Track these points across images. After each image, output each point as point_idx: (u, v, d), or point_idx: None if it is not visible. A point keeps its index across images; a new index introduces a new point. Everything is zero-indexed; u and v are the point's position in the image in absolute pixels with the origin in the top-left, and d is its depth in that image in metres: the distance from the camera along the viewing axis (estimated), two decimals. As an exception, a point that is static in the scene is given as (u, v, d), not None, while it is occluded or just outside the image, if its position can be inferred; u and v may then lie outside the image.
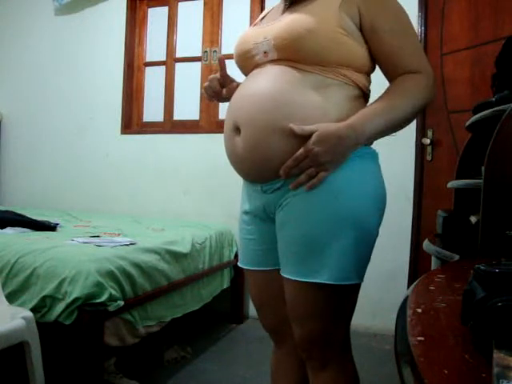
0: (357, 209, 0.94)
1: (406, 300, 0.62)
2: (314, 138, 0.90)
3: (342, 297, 0.98)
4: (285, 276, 0.99)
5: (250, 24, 2.93)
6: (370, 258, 1.00)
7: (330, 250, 0.92)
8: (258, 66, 1.02)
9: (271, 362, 1.21)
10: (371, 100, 1.02)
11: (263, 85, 0.97)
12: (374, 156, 1.02)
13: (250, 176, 1.02)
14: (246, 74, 1.09)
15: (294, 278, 0.96)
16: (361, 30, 0.97)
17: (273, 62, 0.99)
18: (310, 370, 1.04)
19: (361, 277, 0.97)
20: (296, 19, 0.95)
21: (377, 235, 1.00)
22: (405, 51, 0.97)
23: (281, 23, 0.98)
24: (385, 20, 0.96)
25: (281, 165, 0.94)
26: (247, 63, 1.05)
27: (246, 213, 1.10)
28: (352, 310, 1.03)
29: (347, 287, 0.95)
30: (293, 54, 0.95)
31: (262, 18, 1.14)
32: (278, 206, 0.99)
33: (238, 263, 1.18)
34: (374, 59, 1.01)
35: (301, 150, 0.91)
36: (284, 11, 1.03)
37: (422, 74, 0.96)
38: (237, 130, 0.99)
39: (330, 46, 0.93)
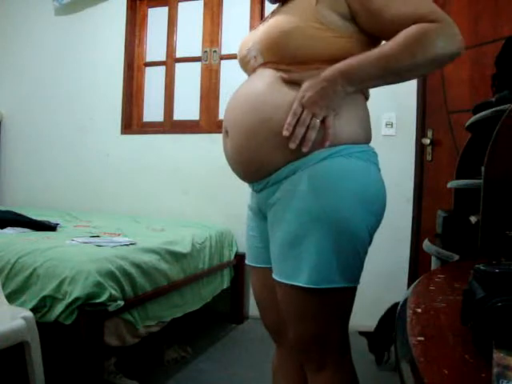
0: (335, 209, 0.90)
1: (405, 300, 0.62)
2: (303, 86, 0.90)
3: (329, 299, 0.94)
4: (273, 277, 0.99)
5: (250, 24, 2.93)
6: (360, 260, 0.95)
7: (308, 251, 0.90)
8: (253, 69, 1.05)
9: (273, 362, 1.21)
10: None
11: (248, 88, 1.00)
12: (365, 155, 0.96)
13: (240, 176, 1.04)
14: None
15: (278, 280, 0.96)
16: (354, 18, 0.93)
17: (261, 65, 1.01)
18: (307, 372, 1.04)
19: (349, 280, 0.93)
20: (274, 22, 0.97)
21: (369, 237, 0.96)
22: (409, 15, 0.88)
23: (263, 27, 1.01)
24: None
25: (263, 166, 0.95)
26: (246, 68, 1.09)
27: (250, 208, 1.12)
28: (346, 312, 1.00)
29: (332, 290, 0.92)
30: (274, 56, 0.97)
31: (264, 20, 1.15)
32: (267, 206, 1.00)
33: (246, 261, 1.18)
34: (373, 44, 0.96)
35: (295, 104, 0.90)
36: (272, 15, 1.06)
37: (437, 23, 0.86)
38: (227, 131, 1.03)
39: (307, 43, 0.93)
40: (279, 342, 1.17)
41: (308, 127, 0.89)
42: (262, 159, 0.95)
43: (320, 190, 0.91)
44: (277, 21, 0.97)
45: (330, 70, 0.90)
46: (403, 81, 0.95)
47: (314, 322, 0.97)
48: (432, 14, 0.87)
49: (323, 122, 0.90)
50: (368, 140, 0.99)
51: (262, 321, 1.19)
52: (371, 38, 0.96)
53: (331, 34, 0.93)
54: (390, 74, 0.90)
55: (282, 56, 0.96)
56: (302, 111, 0.89)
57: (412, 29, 0.86)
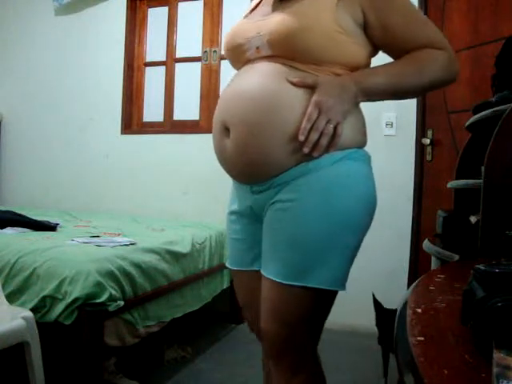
0: (349, 212, 0.92)
1: (405, 300, 0.62)
2: (319, 89, 0.88)
3: (324, 301, 0.96)
4: (269, 277, 0.94)
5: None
6: (352, 262, 0.97)
7: (322, 253, 0.90)
8: (249, 61, 0.98)
9: (263, 360, 1.21)
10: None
11: (253, 84, 0.93)
12: (367, 159, 0.99)
13: (239, 177, 1.01)
14: (236, 68, 1.04)
15: (279, 281, 0.92)
16: (365, 28, 0.94)
17: (265, 58, 0.94)
18: (280, 379, 0.99)
19: (343, 284, 0.94)
20: (292, 15, 0.91)
21: (363, 238, 0.97)
22: (421, 38, 0.94)
23: (276, 18, 0.93)
24: (394, 14, 0.93)
25: (270, 167, 0.92)
26: (238, 58, 1.01)
27: (233, 213, 1.11)
28: (327, 316, 1.01)
29: (330, 292, 0.94)
30: (287, 51, 0.92)
31: (253, 9, 1.08)
32: (267, 206, 0.97)
33: (226, 263, 1.16)
34: (372, 55, 1.00)
35: (310, 107, 0.88)
36: (276, 5, 0.98)
37: (442, 51, 0.94)
38: (226, 130, 0.96)
39: (325, 44, 0.90)
40: None
41: (322, 133, 0.88)
42: (271, 160, 0.91)
43: (333, 192, 0.91)
44: (295, 15, 0.90)
45: (347, 79, 0.91)
46: (403, 99, 1.03)
47: (306, 322, 0.96)
48: (440, 42, 0.95)
49: (335, 128, 0.89)
50: (366, 144, 1.02)
51: (247, 322, 1.18)
52: (375, 50, 0.99)
53: (349, 39, 0.92)
54: (399, 91, 0.96)
55: (295, 52, 0.91)
56: (318, 116, 0.88)
57: (424, 53, 0.93)
